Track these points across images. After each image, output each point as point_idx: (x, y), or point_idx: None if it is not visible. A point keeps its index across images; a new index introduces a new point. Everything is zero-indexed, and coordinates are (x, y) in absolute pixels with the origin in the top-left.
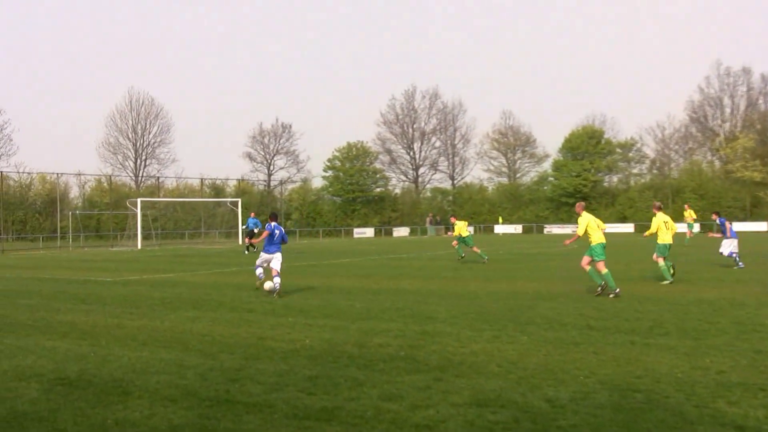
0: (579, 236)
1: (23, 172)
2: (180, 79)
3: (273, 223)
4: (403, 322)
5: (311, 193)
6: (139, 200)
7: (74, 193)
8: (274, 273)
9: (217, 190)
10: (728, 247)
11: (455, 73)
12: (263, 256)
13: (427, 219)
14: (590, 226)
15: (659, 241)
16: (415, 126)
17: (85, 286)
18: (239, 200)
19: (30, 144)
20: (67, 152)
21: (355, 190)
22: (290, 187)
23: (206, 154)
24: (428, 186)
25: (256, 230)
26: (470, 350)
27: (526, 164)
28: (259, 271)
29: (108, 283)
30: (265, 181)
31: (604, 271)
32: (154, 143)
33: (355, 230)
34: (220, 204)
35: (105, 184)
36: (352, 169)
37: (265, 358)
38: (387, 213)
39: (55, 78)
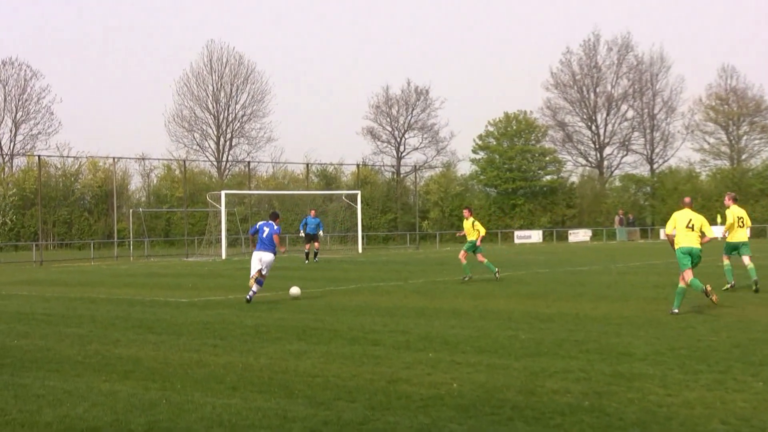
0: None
1: (68, 157)
2: (276, 31)
3: (262, 222)
4: (586, 359)
5: (456, 183)
6: (223, 193)
7: (136, 184)
8: (254, 275)
9: (329, 180)
10: None
11: (653, 15)
12: (254, 256)
13: (617, 218)
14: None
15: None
16: (598, 90)
17: (153, 309)
18: (359, 193)
19: (77, 119)
20: (125, 130)
21: (516, 179)
22: (427, 174)
23: (313, 130)
24: (617, 172)
25: (320, 232)
26: (682, 400)
27: (756, 141)
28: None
29: (183, 306)
30: (392, 166)
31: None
32: (242, 117)
33: (517, 233)
34: (332, 198)
35: (177, 172)
36: (512, 149)
37: (397, 407)
38: (560, 209)
39: (106, 31)
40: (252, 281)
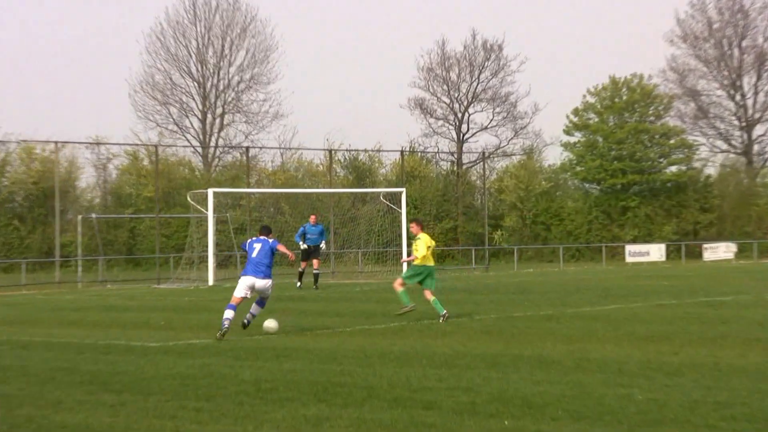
0: None
1: None
2: None
3: (251, 239)
4: (731, 430)
5: (542, 177)
6: (210, 192)
7: (87, 180)
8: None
9: (361, 173)
10: None
11: None
12: (243, 281)
13: None
14: None
15: None
16: (744, 44)
17: (110, 356)
18: (403, 191)
19: (2, 89)
20: (73, 104)
21: (627, 171)
22: (501, 165)
23: (339, 103)
24: None
25: (323, 245)
26: None
27: None
28: (230, 313)
29: (153, 352)
30: (451, 154)
31: None
32: (239, 84)
33: (629, 248)
34: (366, 198)
35: (146, 163)
36: (622, 129)
37: None
38: (691, 214)
39: None
40: (267, 321)
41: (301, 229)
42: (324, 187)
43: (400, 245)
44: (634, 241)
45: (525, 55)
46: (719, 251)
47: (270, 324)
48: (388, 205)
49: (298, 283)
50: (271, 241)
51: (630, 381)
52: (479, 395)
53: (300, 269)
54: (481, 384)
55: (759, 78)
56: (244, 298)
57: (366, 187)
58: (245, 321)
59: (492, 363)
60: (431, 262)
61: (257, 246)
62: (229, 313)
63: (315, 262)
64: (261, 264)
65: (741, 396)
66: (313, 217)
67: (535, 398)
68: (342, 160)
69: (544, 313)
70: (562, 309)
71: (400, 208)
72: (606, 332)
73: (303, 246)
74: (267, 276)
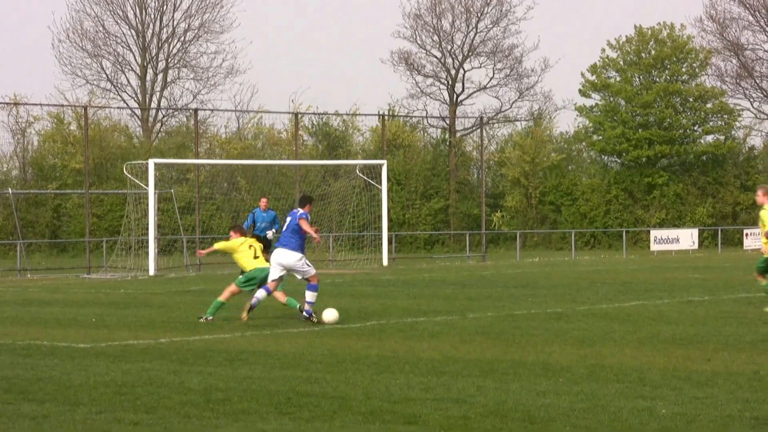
0: None
1: None
2: None
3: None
4: None
5: (552, 149)
6: (151, 163)
7: (3, 146)
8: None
9: (333, 141)
10: None
11: None
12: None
13: None
14: None
15: None
16: None
17: (30, 360)
18: (384, 163)
19: None
20: None
21: (655, 141)
22: (503, 132)
23: (307, 57)
24: None
25: (270, 234)
26: None
27: None
28: (261, 293)
29: (82, 355)
30: (443, 118)
31: None
32: (186, 33)
33: (655, 234)
34: (339, 171)
35: (74, 128)
36: (649, 90)
37: None
38: (730, 194)
39: None
40: (327, 311)
41: (250, 216)
42: (288, 159)
43: (379, 228)
44: (662, 225)
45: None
46: (757, 239)
47: (330, 315)
48: (365, 180)
49: None
50: (301, 212)
51: (652, 392)
52: (472, 408)
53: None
54: (474, 395)
55: None
56: (280, 279)
57: (339, 159)
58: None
59: (488, 370)
60: None
61: (288, 219)
62: (260, 293)
63: (266, 255)
64: (286, 238)
65: None
66: (263, 200)
67: (539, 412)
68: (310, 126)
69: (551, 310)
70: (573, 306)
71: (381, 183)
72: (625, 334)
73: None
74: (292, 249)
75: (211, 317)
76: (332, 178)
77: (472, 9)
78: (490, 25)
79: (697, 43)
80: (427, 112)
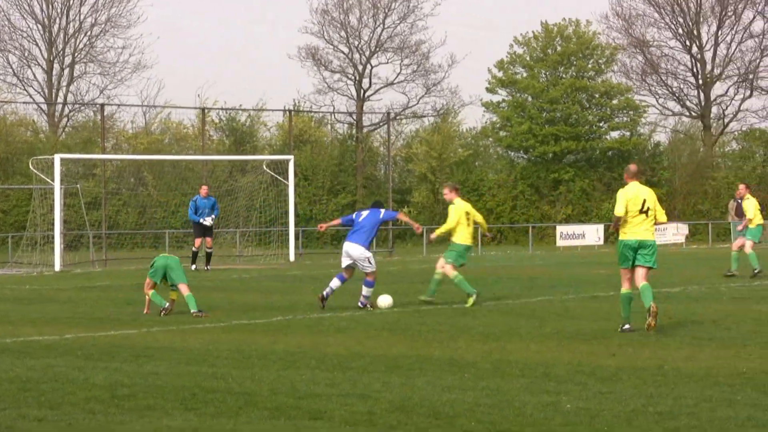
0: None
1: None
2: None
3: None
4: None
5: (459, 144)
6: (57, 158)
7: None
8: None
9: (240, 136)
10: None
11: None
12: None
13: (731, 203)
14: None
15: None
16: None
17: None
18: (291, 158)
19: None
20: None
21: (561, 137)
22: (410, 129)
23: (213, 52)
24: (734, 126)
25: (207, 221)
26: None
27: None
28: (336, 282)
29: None
30: (350, 114)
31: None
32: (92, 27)
33: (561, 229)
34: (246, 166)
35: None
36: (556, 86)
37: None
38: None
39: None
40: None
41: (192, 203)
42: (195, 154)
43: (286, 224)
44: (568, 220)
45: None
46: (668, 234)
47: (385, 301)
48: (272, 175)
49: (193, 266)
50: (383, 211)
51: (557, 387)
52: (378, 403)
53: (194, 248)
54: (380, 390)
55: (720, 26)
56: (351, 269)
57: (246, 154)
58: (324, 294)
59: (394, 365)
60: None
61: (364, 213)
62: (335, 282)
63: (208, 240)
64: (360, 232)
65: (687, 405)
66: (204, 188)
67: (445, 407)
68: (217, 121)
69: (457, 306)
70: (479, 302)
71: (288, 179)
72: (530, 329)
73: (204, 221)
74: (362, 245)
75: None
76: (239, 174)
77: (379, 5)
78: (398, 21)
79: (603, 39)
80: (334, 108)
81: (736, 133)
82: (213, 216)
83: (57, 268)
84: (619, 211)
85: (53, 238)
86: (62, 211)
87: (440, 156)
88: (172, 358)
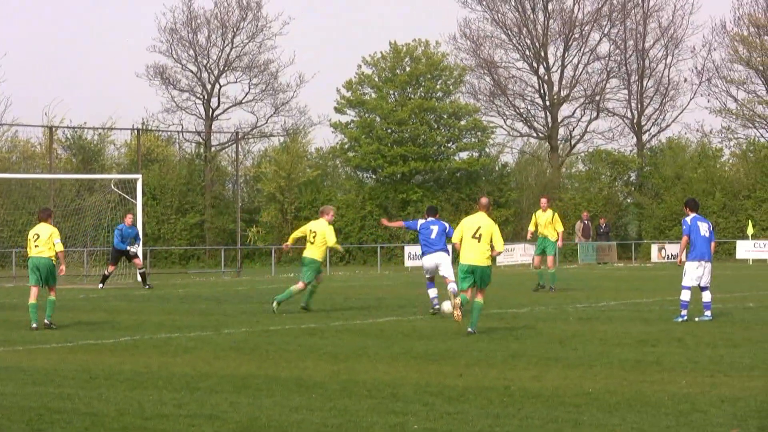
0: None
1: None
2: None
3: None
4: None
5: (307, 164)
6: None
7: None
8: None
9: (88, 155)
10: None
11: None
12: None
13: (578, 224)
14: None
15: None
16: (551, 6)
17: None
18: (139, 177)
19: None
20: None
21: (410, 157)
22: (258, 148)
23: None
24: (581, 147)
25: (133, 249)
26: None
27: None
28: (433, 291)
29: None
30: (199, 133)
31: None
32: None
33: (409, 250)
34: (94, 186)
35: None
36: (405, 106)
37: None
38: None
39: None
40: (444, 303)
41: (117, 231)
42: (43, 172)
43: (135, 245)
44: (416, 241)
45: (289, 14)
46: (515, 254)
47: (447, 306)
48: (120, 194)
49: (100, 285)
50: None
51: (405, 407)
52: (225, 424)
53: (107, 272)
54: (227, 410)
55: (567, 48)
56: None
57: (94, 173)
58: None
59: (242, 386)
60: None
61: (435, 228)
62: (432, 292)
63: (137, 261)
64: (440, 241)
65: (533, 426)
66: (129, 217)
67: (292, 428)
68: (64, 140)
69: (305, 326)
70: (327, 322)
71: (136, 198)
72: (378, 349)
73: (130, 248)
74: (445, 250)
75: None
76: (87, 193)
77: (228, 24)
78: (246, 40)
79: (451, 60)
80: (182, 127)
81: (582, 154)
82: (137, 244)
83: None
84: (455, 237)
85: None
86: None
87: (289, 176)
88: (18, 378)
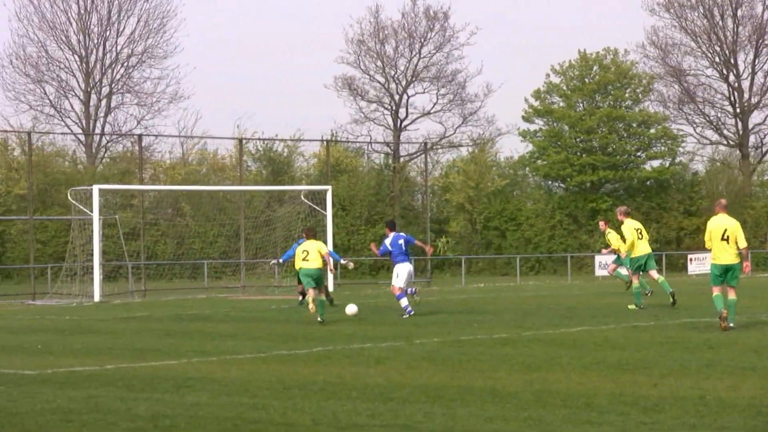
0: None
1: None
2: None
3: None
4: None
5: (495, 173)
6: (95, 189)
7: None
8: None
9: (277, 166)
10: None
11: None
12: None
13: None
14: None
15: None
16: (740, 13)
17: None
18: (329, 189)
19: None
20: None
21: (599, 166)
22: (447, 158)
23: (250, 82)
24: None
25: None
26: None
27: None
28: (405, 301)
29: (28, 381)
30: (387, 144)
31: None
32: (130, 57)
33: (599, 259)
34: (284, 197)
35: (17, 153)
36: (592, 115)
37: None
38: (674, 219)
39: None
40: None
41: (296, 245)
42: (233, 184)
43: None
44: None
45: (476, 24)
46: (707, 263)
47: (352, 309)
48: (310, 205)
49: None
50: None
51: (599, 417)
52: None
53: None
54: (422, 421)
55: (757, 55)
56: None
57: (284, 185)
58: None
59: (435, 396)
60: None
61: (402, 241)
62: (404, 302)
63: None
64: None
65: None
66: (305, 233)
67: None
68: (254, 152)
69: (497, 336)
70: (519, 332)
71: (325, 209)
72: (571, 359)
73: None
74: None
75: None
76: (277, 204)
77: (415, 35)
78: (434, 51)
79: (639, 68)
80: (371, 138)
81: None
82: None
83: (96, 298)
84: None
85: (92, 268)
86: (101, 241)
87: (477, 185)
88: (213, 389)
